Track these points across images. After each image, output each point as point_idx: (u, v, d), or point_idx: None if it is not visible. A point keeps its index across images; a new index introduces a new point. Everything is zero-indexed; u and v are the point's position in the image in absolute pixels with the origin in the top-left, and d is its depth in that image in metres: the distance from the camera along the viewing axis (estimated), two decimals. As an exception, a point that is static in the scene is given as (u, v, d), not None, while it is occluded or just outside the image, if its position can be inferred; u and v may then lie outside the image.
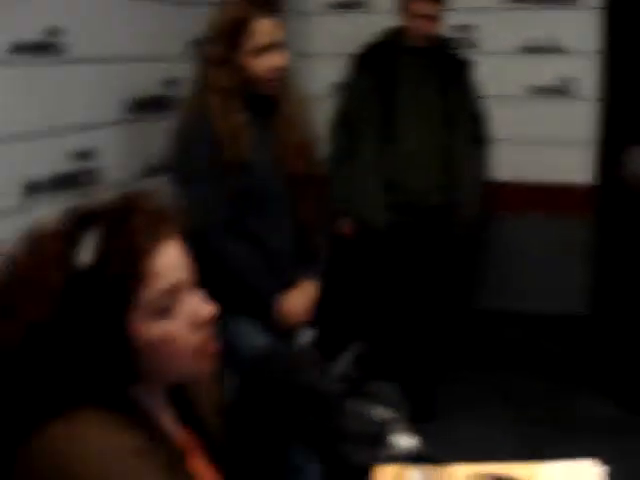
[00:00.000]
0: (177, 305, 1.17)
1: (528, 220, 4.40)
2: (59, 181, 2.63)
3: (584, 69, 4.23)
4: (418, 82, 3.73)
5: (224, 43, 2.49)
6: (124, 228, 1.14)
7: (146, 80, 3.09)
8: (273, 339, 2.58)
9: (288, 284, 2.64)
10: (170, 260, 1.16)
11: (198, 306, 1.19)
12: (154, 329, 1.14)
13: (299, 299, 2.64)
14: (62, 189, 2.63)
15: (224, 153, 2.45)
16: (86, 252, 1.11)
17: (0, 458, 1.14)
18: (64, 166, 2.66)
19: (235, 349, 2.42)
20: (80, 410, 1.11)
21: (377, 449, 1.06)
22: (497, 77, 4.20)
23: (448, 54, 3.84)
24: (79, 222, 1.17)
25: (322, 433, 1.04)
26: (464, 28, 4.33)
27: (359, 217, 3.80)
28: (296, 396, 1.06)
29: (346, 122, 3.82)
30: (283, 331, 2.62)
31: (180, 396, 1.30)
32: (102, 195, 1.22)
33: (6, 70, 2.40)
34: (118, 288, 1.11)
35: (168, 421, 1.25)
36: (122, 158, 2.95)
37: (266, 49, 2.48)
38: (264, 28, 2.48)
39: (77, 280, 1.10)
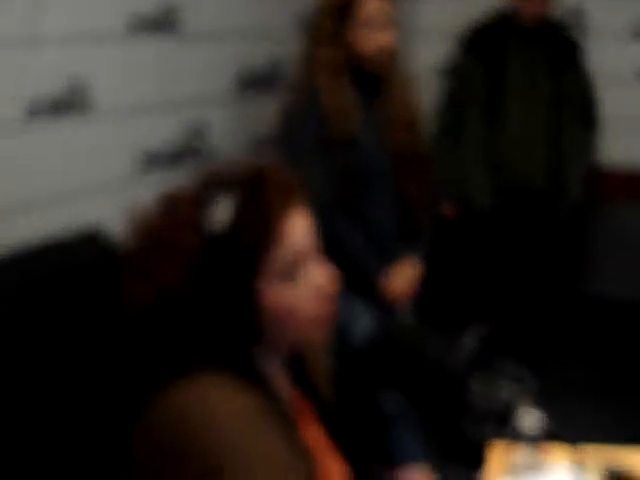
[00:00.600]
0: (303, 272, 1.21)
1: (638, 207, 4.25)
2: (175, 154, 2.70)
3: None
4: (527, 64, 3.65)
5: (333, 20, 2.50)
6: (258, 195, 1.18)
7: (257, 57, 3.12)
8: (378, 316, 2.58)
9: (391, 261, 2.65)
10: (299, 227, 1.21)
11: (322, 277, 1.23)
12: (280, 293, 1.18)
13: (402, 276, 2.65)
14: (177, 162, 2.70)
15: (332, 130, 2.47)
16: (220, 217, 1.15)
17: (124, 417, 1.20)
18: (179, 139, 2.73)
19: (340, 325, 2.44)
20: (202, 372, 1.15)
21: (501, 426, 1.06)
22: (607, 61, 4.06)
23: (559, 36, 3.75)
24: (212, 187, 1.21)
25: (446, 407, 1.04)
26: (575, 11, 4.21)
27: (463, 199, 3.76)
28: (424, 370, 1.07)
29: (453, 104, 3.78)
30: (384, 307, 2.63)
31: (295, 361, 1.33)
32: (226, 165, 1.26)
33: (124, 46, 2.47)
34: (251, 252, 1.15)
35: (284, 384, 1.28)
36: (232, 133, 2.99)
37: (375, 27, 2.48)
38: (374, 5, 2.49)
39: (212, 244, 1.14)
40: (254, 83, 3.10)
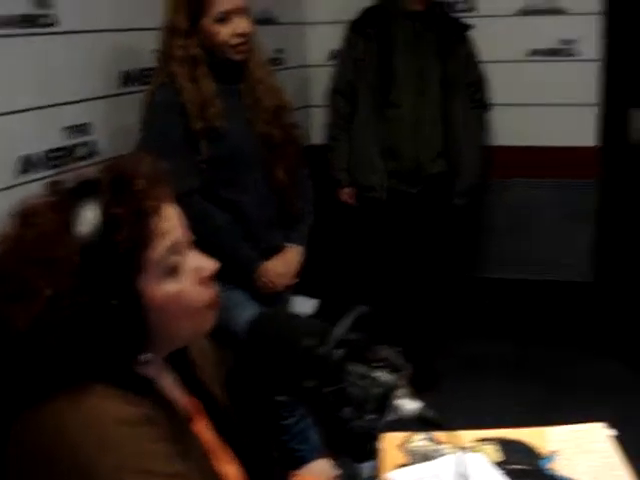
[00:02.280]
0: (182, 263, 1.19)
1: (530, 185, 4.35)
2: (53, 156, 2.60)
3: (584, 30, 4.15)
4: (415, 47, 3.67)
5: (187, 11, 2.48)
6: (127, 193, 1.14)
7: (136, 52, 3.04)
8: (262, 307, 2.59)
9: (271, 250, 2.65)
10: (171, 220, 1.19)
11: (201, 262, 1.22)
12: (165, 289, 1.15)
13: (281, 264, 2.66)
14: (57, 164, 2.60)
15: (195, 121, 2.45)
16: (89, 221, 1.10)
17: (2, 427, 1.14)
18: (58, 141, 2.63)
19: (224, 319, 2.41)
20: (84, 384, 1.10)
21: (380, 414, 1.03)
22: (496, 41, 4.13)
23: (446, 18, 3.78)
24: (75, 192, 1.15)
25: (323, 398, 1.01)
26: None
27: (360, 185, 3.77)
28: (295, 360, 1.04)
29: (344, 90, 3.78)
30: (268, 297, 2.64)
31: (181, 361, 1.30)
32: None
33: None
34: (130, 252, 1.11)
35: (172, 388, 1.26)
36: (115, 132, 2.90)
37: (229, 15, 2.48)
38: None
39: (87, 250, 1.09)
40: (136, 78, 3.02)
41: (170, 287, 1.16)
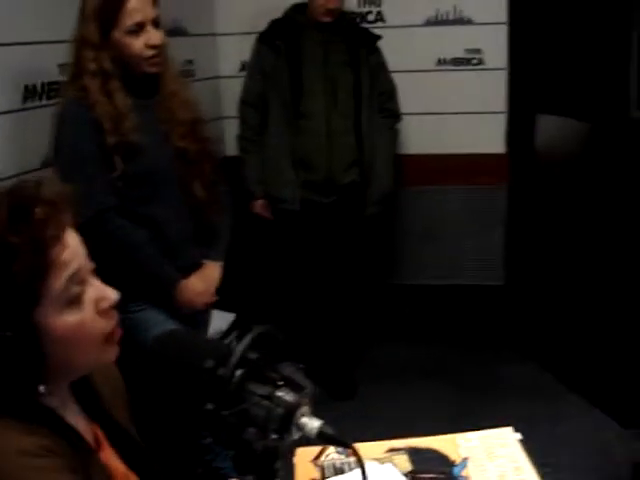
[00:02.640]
0: (83, 293, 1.15)
1: (442, 192, 4.42)
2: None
3: (490, 40, 4.25)
4: (324, 58, 3.68)
5: (98, 23, 2.41)
6: (27, 221, 1.10)
7: (43, 65, 2.96)
8: (180, 325, 2.51)
9: (189, 267, 2.59)
10: (73, 248, 1.14)
11: (102, 292, 1.18)
12: (65, 320, 1.12)
13: (201, 282, 2.60)
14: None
15: (108, 136, 2.37)
16: None
17: None
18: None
19: (142, 339, 2.35)
20: None
21: (283, 433, 1.02)
22: (405, 51, 4.19)
23: (354, 29, 3.81)
24: None
25: (223, 420, 1.00)
26: (369, 2, 4.31)
27: (273, 197, 3.76)
28: (196, 382, 1.02)
29: (253, 102, 3.77)
30: (187, 316, 2.57)
31: (84, 391, 1.27)
32: None
33: None
34: (28, 283, 1.07)
35: (75, 418, 1.22)
36: (18, 148, 2.82)
37: (141, 26, 2.42)
38: (137, 5, 2.41)
39: None
40: (42, 93, 2.94)
41: (70, 318, 1.13)
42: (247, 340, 1.03)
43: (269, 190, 3.76)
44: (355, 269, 3.93)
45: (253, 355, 1.04)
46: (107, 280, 1.20)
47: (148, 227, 2.47)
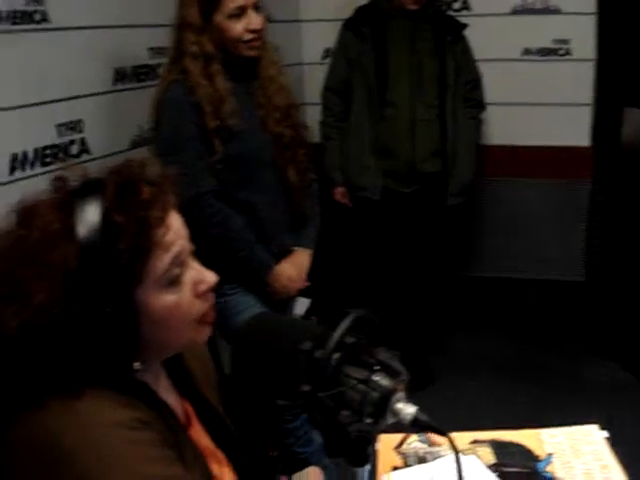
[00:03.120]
0: (183, 275, 1.16)
1: (523, 184, 4.34)
2: (46, 154, 2.58)
3: (578, 30, 4.15)
4: (411, 46, 3.65)
5: (200, 6, 2.43)
6: (133, 200, 1.11)
7: (133, 48, 3.02)
8: (270, 310, 2.54)
9: (281, 253, 2.61)
10: (176, 230, 1.15)
11: (201, 275, 1.19)
12: (163, 300, 1.13)
13: (293, 268, 2.61)
14: (49, 162, 2.58)
15: (209, 120, 2.40)
16: (92, 226, 1.07)
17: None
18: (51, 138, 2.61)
19: (234, 322, 2.39)
20: (79, 388, 1.08)
21: (377, 418, 1.02)
22: (490, 40, 4.12)
23: (441, 17, 3.77)
24: (79, 193, 1.11)
25: (319, 402, 1.00)
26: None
27: (353, 185, 3.75)
28: (292, 364, 1.03)
29: (337, 88, 3.77)
30: (278, 301, 2.60)
31: (175, 367, 1.29)
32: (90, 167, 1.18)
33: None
34: (131, 262, 1.08)
35: (166, 393, 1.24)
36: (109, 129, 2.88)
37: (243, 10, 2.44)
38: None
39: (89, 257, 1.06)
40: (132, 75, 3.00)
41: (169, 298, 1.14)
42: (345, 324, 1.03)
43: (350, 178, 3.75)
44: (434, 259, 3.90)
45: (350, 339, 1.04)
46: (203, 261, 1.21)
47: (245, 212, 2.49)
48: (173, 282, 1.14)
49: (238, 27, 2.44)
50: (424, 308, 3.92)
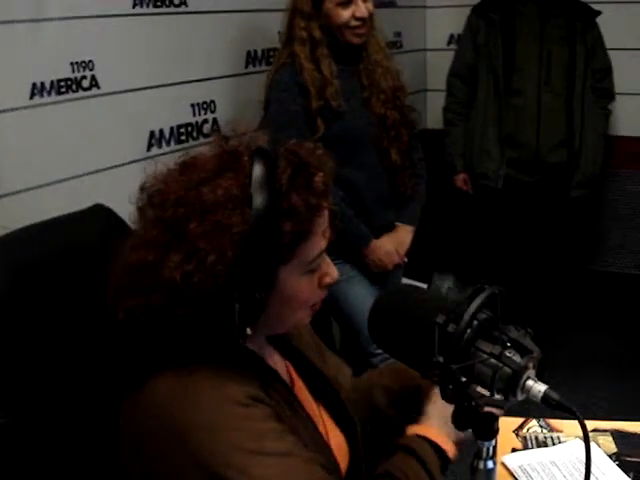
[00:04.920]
0: (319, 265, 1.20)
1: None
2: (181, 132, 2.69)
3: None
4: (540, 33, 3.57)
5: None
6: (308, 183, 1.14)
7: (262, 32, 3.10)
8: (370, 286, 2.66)
9: (382, 228, 2.71)
10: (326, 222, 1.18)
11: (329, 269, 1.22)
12: (299, 282, 1.17)
13: (392, 242, 2.71)
14: (183, 139, 2.69)
15: (314, 101, 2.51)
16: (268, 199, 1.09)
17: (110, 405, 1.18)
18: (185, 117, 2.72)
19: (332, 291, 2.49)
20: (193, 364, 1.12)
21: (507, 394, 1.04)
22: (623, 27, 3.99)
23: (573, 3, 3.66)
24: (255, 160, 1.12)
25: (451, 374, 1.02)
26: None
27: (475, 172, 3.73)
28: (426, 335, 1.05)
29: (463, 74, 3.74)
30: (378, 275, 2.70)
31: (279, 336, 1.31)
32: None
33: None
34: (292, 244, 1.12)
35: (272, 358, 1.28)
36: (238, 110, 2.97)
37: None
38: None
39: (261, 229, 1.08)
40: (261, 58, 3.08)
41: (303, 283, 1.17)
42: (480, 299, 1.05)
43: (472, 165, 3.72)
44: (556, 252, 3.82)
45: (483, 315, 1.06)
46: None
47: (345, 188, 2.58)
48: (312, 270, 1.18)
49: (345, 14, 2.54)
50: (544, 299, 3.85)
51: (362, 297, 2.57)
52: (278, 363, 1.29)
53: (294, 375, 1.32)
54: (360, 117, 2.61)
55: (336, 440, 1.31)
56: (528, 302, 3.80)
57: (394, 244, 2.72)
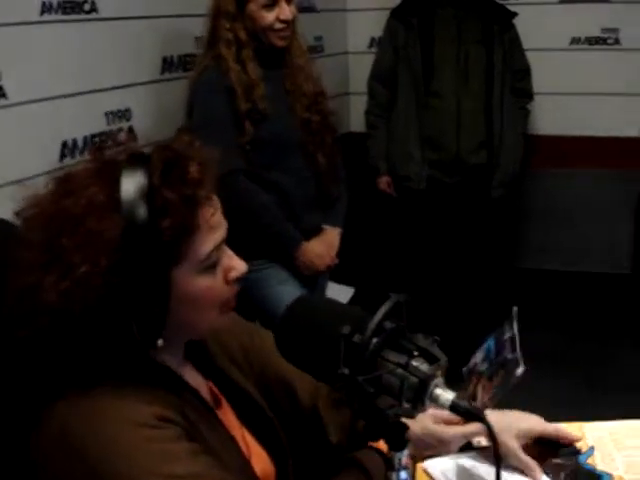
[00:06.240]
0: (219, 260, 1.14)
1: (570, 175, 4.29)
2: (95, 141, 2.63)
3: (627, 19, 4.07)
4: (457, 35, 3.62)
5: None
6: (181, 177, 1.08)
7: (178, 38, 3.05)
8: (301, 289, 2.65)
9: (310, 231, 2.71)
10: (217, 215, 1.13)
11: (234, 262, 1.17)
12: (198, 282, 1.11)
13: (321, 245, 2.72)
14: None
15: (241, 103, 2.50)
16: (139, 200, 1.04)
17: (14, 435, 1.11)
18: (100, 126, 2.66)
19: (265, 295, 2.53)
20: (97, 383, 1.07)
21: (416, 403, 1.02)
22: (538, 29, 4.06)
23: (490, 4, 3.71)
24: (125, 166, 1.08)
25: (358, 386, 1.00)
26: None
27: (398, 174, 3.75)
28: (331, 347, 1.03)
29: (383, 77, 3.76)
30: (307, 278, 2.70)
31: (195, 349, 1.27)
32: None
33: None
34: (174, 241, 1.06)
35: (191, 376, 1.23)
36: (155, 118, 2.92)
37: (275, 1, 2.55)
38: None
39: (134, 232, 1.03)
40: (178, 64, 3.03)
41: (203, 282, 1.12)
42: (385, 308, 1.03)
43: (394, 167, 3.74)
44: (479, 251, 3.86)
45: (389, 324, 1.04)
46: (232, 238, 1.19)
47: (273, 191, 2.59)
48: (210, 267, 1.12)
49: (270, 17, 2.54)
50: (467, 299, 3.89)
51: None
52: (199, 381, 1.24)
53: (220, 396, 1.28)
54: (286, 121, 2.62)
55: (262, 466, 1.27)
56: (454, 302, 3.85)
57: (324, 246, 2.73)
